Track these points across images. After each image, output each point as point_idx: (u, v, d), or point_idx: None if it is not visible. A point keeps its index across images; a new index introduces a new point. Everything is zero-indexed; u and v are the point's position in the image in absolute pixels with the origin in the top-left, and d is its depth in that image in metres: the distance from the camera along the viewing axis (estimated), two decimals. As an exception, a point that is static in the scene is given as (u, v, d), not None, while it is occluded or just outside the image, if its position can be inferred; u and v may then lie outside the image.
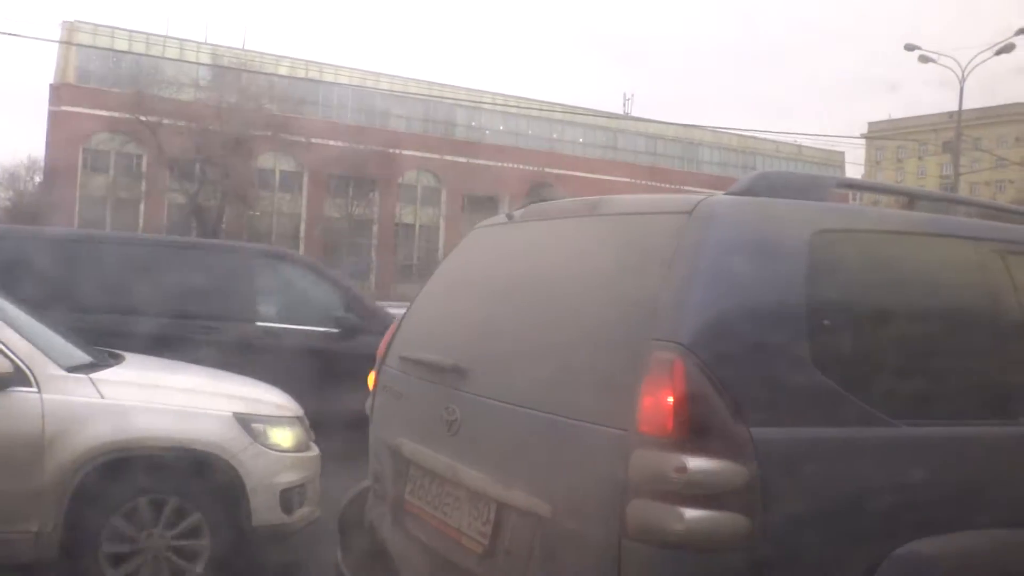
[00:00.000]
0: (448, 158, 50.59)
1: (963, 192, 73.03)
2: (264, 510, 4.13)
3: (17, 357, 3.76)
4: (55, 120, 43.43)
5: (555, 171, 55.46)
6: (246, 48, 47.11)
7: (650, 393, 1.88)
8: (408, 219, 51.16)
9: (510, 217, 2.89)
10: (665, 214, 2.21)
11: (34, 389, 3.77)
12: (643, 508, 1.84)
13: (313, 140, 44.62)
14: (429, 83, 49.48)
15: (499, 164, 50.31)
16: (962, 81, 27.18)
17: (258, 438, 4.18)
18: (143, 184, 42.33)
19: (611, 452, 1.90)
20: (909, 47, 27.27)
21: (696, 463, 1.81)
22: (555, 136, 57.76)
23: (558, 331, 2.29)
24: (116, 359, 4.52)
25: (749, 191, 2.23)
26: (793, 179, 2.34)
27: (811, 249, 2.07)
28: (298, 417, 4.53)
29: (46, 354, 3.93)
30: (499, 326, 2.52)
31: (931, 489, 1.99)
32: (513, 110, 55.08)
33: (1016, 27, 25.45)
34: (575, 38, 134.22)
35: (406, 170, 49.89)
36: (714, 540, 1.80)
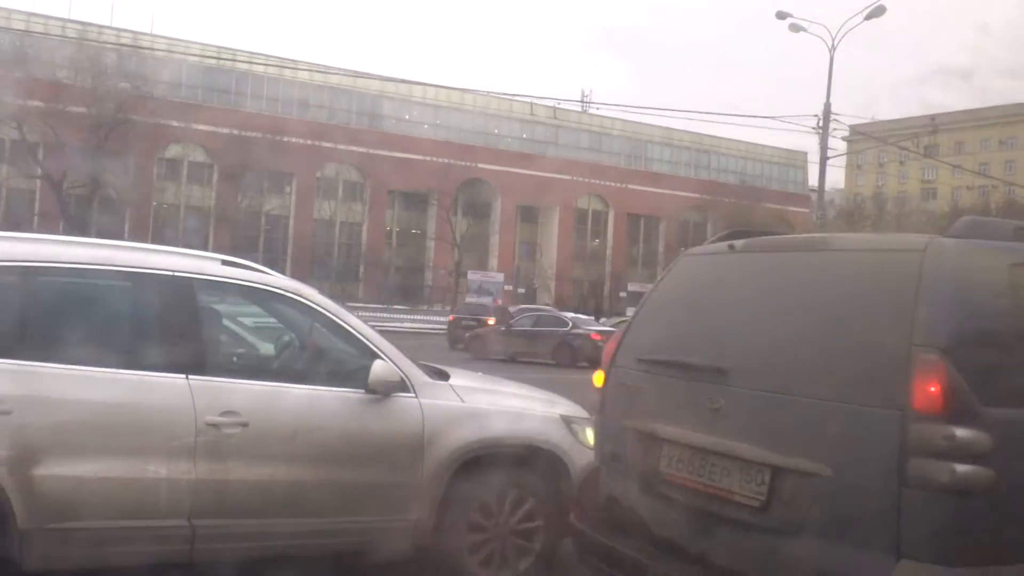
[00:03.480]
0: (372, 151, 48.87)
1: (944, 198, 71.62)
2: None
3: (400, 367, 4.33)
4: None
5: (489, 167, 53.90)
6: (153, 33, 45.54)
7: (920, 384, 2.64)
8: (327, 215, 49.40)
9: (732, 247, 3.59)
10: (901, 251, 3.01)
11: (412, 395, 4.34)
12: (920, 465, 2.60)
13: (222, 130, 42.96)
14: (354, 72, 47.73)
15: (429, 159, 48.53)
16: (832, 50, 25.67)
17: (578, 436, 4.74)
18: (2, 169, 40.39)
19: (890, 426, 2.67)
20: (780, 15, 25.57)
21: (959, 432, 2.58)
22: (491, 131, 56.04)
23: (817, 340, 3.06)
24: (444, 371, 4.90)
25: (961, 234, 2.95)
26: (989, 225, 3.08)
27: (1009, 277, 2.89)
28: (590, 419, 4.96)
29: (415, 364, 4.50)
30: (752, 336, 3.26)
31: None
32: (445, 103, 53.39)
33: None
34: (530, 30, 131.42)
35: (326, 163, 48.11)
36: (972, 486, 2.58)
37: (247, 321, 5.61)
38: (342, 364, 4.39)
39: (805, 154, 68.72)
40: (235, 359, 4.65)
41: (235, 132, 43.41)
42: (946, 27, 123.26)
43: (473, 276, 43.49)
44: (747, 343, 3.26)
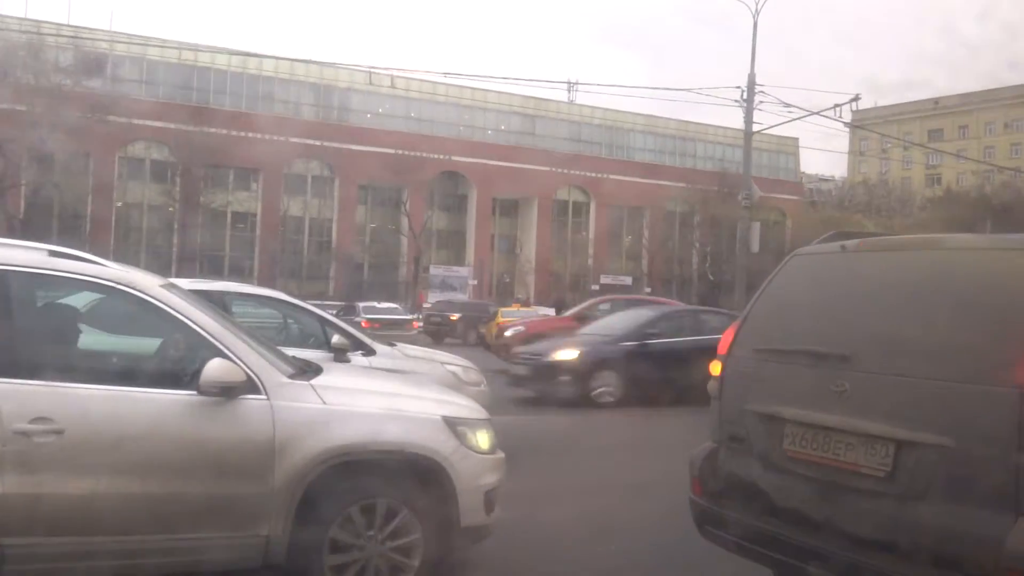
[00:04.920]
0: (341, 146, 47.94)
1: (949, 183, 69.88)
2: (471, 511, 4.38)
3: (247, 366, 3.99)
4: None
5: (465, 159, 52.86)
6: (113, 29, 44.77)
7: None
8: (296, 211, 48.47)
9: (843, 248, 4.02)
10: (1012, 250, 3.45)
11: (263, 396, 3.99)
12: None
13: (185, 127, 42.17)
14: (320, 65, 46.88)
15: (402, 152, 47.56)
16: (755, 15, 24.90)
17: (464, 440, 4.43)
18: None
19: (1008, 401, 3.04)
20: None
21: None
22: (466, 123, 54.96)
23: (935, 329, 3.44)
24: (318, 369, 4.71)
25: None
26: None
27: None
28: (489, 420, 4.80)
29: (271, 362, 4.18)
30: (873, 326, 3.63)
31: None
32: (416, 95, 52.38)
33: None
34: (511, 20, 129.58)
35: (294, 159, 47.17)
36: None
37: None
38: (179, 364, 4.07)
39: (796, 140, 67.68)
40: (55, 359, 4.17)
41: (198, 129, 42.60)
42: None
43: (435, 271, 42.44)
44: (868, 333, 3.63)
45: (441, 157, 52.37)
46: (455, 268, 44.63)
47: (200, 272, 45.98)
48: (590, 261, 57.41)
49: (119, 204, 45.71)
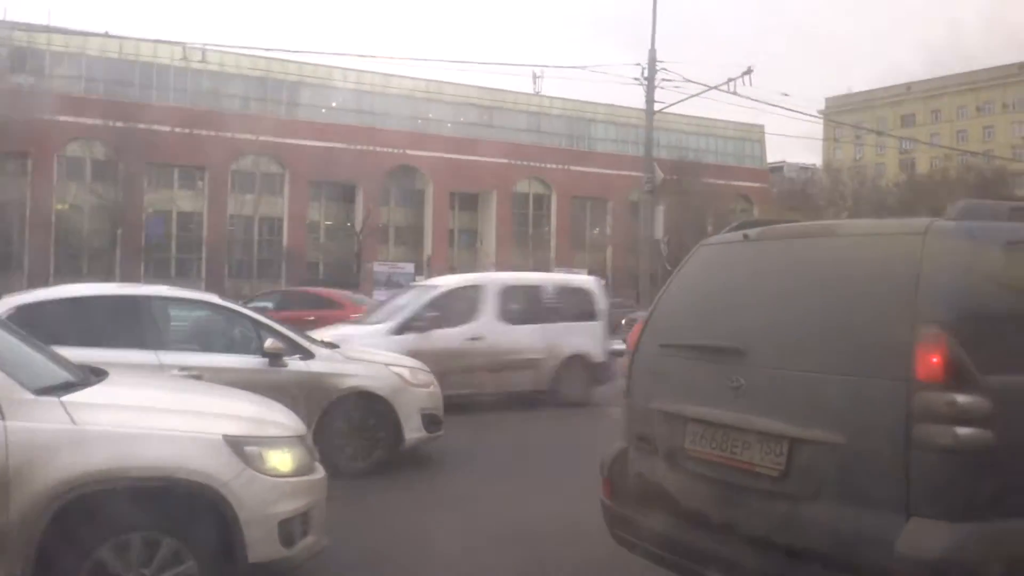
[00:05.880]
0: (291, 141, 46.82)
1: (922, 168, 69.50)
2: (260, 544, 3.91)
3: None
4: None
5: (420, 153, 51.93)
6: (50, 26, 43.59)
7: (923, 355, 2.92)
8: (246, 211, 47.30)
9: (746, 237, 3.94)
10: (903, 235, 3.34)
11: None
12: (925, 430, 2.89)
13: (120, 124, 40.95)
14: (267, 59, 45.69)
15: (354, 147, 46.55)
16: None
17: (252, 463, 3.95)
18: None
19: (897, 395, 2.95)
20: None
21: (960, 399, 2.86)
22: (421, 115, 53.90)
23: (828, 319, 3.34)
24: (99, 376, 4.36)
25: (959, 216, 3.25)
26: (986, 207, 3.37)
27: (1005, 256, 3.18)
28: (299, 436, 4.35)
29: (12, 376, 3.74)
30: (768, 318, 3.54)
31: None
32: (368, 88, 51.28)
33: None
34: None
35: (241, 156, 45.98)
36: (973, 446, 2.84)
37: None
38: None
39: (762, 127, 66.99)
40: None
41: (141, 126, 41.41)
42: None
43: (380, 268, 41.43)
44: (763, 325, 3.56)
45: (395, 151, 51.34)
46: (400, 264, 43.51)
47: (145, 274, 44.93)
48: (552, 254, 56.50)
49: (59, 206, 44.50)
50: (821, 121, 71.48)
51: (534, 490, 6.84)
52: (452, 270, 52.82)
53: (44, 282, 41.69)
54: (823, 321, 3.36)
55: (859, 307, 3.25)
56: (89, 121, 42.10)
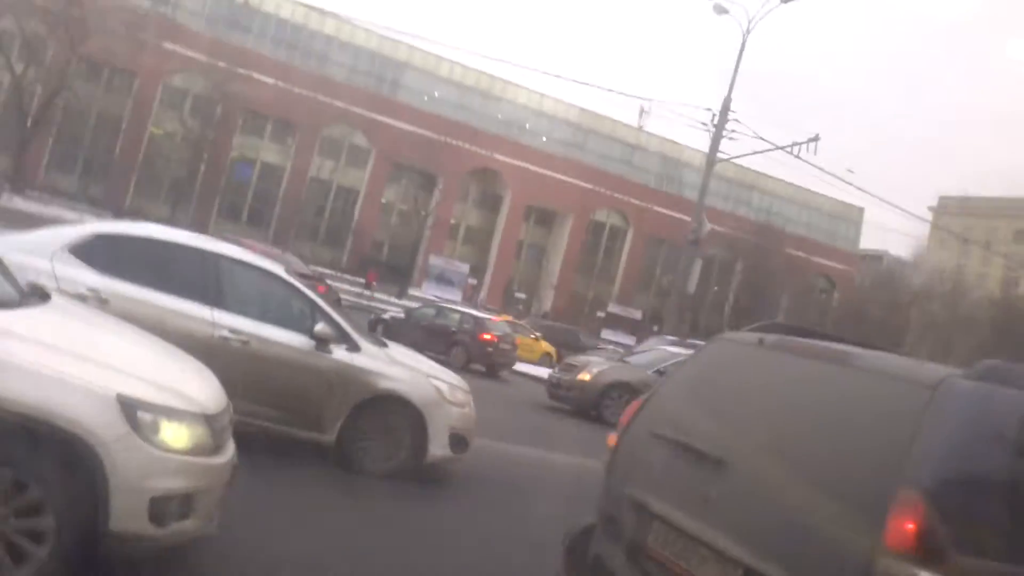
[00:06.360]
0: (383, 119, 47.42)
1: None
2: (125, 515, 3.70)
3: None
4: None
5: (506, 159, 51.91)
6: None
7: (897, 521, 2.66)
8: (325, 175, 48.04)
9: (761, 342, 3.74)
10: (914, 383, 3.02)
11: None
12: None
13: (224, 65, 42.11)
14: (380, 35, 46.47)
15: (442, 138, 46.86)
16: (746, 34, 24.14)
17: (141, 429, 3.73)
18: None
19: (859, 555, 2.71)
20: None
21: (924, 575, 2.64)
22: (516, 123, 53.99)
23: (816, 452, 3.14)
24: (36, 301, 4.26)
25: (978, 376, 2.92)
26: (1010, 371, 2.97)
27: (1018, 429, 2.81)
28: (207, 415, 4.09)
29: None
30: (759, 434, 3.37)
31: None
32: (471, 84, 51.70)
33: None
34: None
35: (332, 123, 46.76)
36: None
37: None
38: None
39: (862, 209, 64.65)
40: None
41: (240, 70, 42.54)
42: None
43: (435, 261, 41.24)
44: (752, 439, 3.39)
45: (483, 152, 51.46)
46: (456, 262, 43.27)
47: (217, 215, 45.95)
48: (615, 288, 55.62)
49: (154, 130, 45.99)
50: (929, 217, 68.94)
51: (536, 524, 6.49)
52: (510, 283, 52.61)
53: (124, 194, 43.19)
54: (810, 452, 3.17)
55: (849, 449, 3.05)
56: (198, 56, 43.44)
